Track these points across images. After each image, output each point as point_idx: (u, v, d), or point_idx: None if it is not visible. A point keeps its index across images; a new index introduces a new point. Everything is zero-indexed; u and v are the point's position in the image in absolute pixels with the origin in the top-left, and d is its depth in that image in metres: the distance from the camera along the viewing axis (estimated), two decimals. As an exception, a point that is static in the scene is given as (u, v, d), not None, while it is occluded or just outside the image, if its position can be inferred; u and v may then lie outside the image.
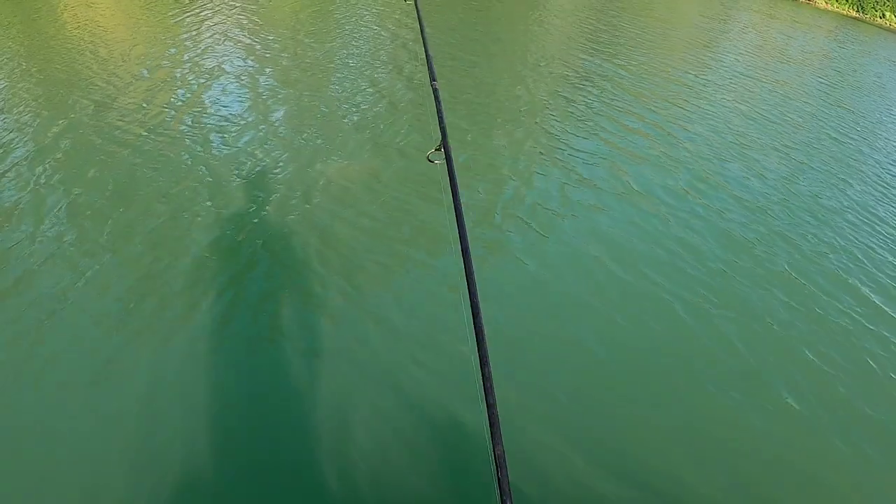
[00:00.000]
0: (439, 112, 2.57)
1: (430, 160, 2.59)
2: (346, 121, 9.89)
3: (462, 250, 2.15)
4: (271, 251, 6.65)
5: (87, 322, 5.56)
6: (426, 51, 2.73)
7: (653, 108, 11.47)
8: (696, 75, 13.95)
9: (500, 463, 1.38)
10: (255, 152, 8.50)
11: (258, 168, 8.15)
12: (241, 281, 6.22)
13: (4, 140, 8.65)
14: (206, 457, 4.47)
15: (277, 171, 8.18)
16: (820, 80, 16.10)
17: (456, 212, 2.34)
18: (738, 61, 16.03)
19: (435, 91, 2.64)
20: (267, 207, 7.34)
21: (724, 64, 15.53)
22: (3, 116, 9.45)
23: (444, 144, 2.53)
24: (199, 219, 7.00)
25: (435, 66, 2.65)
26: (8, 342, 5.28)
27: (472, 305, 1.85)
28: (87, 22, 15.80)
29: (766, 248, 7.61)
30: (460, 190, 2.46)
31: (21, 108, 9.77)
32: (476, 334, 1.72)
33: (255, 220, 7.11)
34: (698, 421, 5.11)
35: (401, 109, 10.37)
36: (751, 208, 8.46)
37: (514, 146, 9.38)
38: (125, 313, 5.71)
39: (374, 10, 16.97)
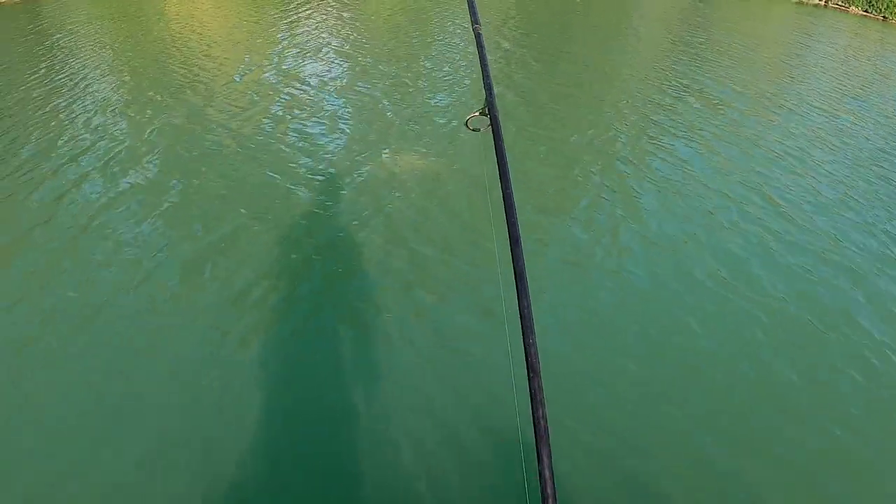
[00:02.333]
0: (483, 63, 2.10)
1: (469, 127, 2.06)
2: (433, 122, 9.94)
3: (510, 239, 1.67)
4: (337, 253, 6.58)
5: (146, 318, 5.54)
6: (468, -7, 2.28)
7: (735, 121, 10.72)
8: (782, 92, 13.03)
9: (545, 475, 1.26)
10: (335, 154, 8.63)
11: (333, 169, 8.19)
12: (298, 282, 6.12)
13: (107, 132, 9.14)
14: (250, 463, 4.31)
15: (352, 171, 8.18)
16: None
17: (504, 193, 1.80)
18: (825, 80, 14.92)
19: (478, 37, 2.18)
20: (338, 206, 7.35)
21: (811, 83, 14.47)
22: (109, 112, 10.02)
23: (490, 104, 2.02)
24: (271, 219, 7.03)
25: (480, 13, 2.20)
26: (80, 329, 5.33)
27: (519, 302, 1.51)
28: (188, 19, 16.82)
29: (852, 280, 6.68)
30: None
31: (123, 103, 10.41)
32: (525, 344, 1.43)
33: (326, 219, 7.11)
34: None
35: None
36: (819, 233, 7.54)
37: (588, 150, 9.03)
38: (188, 300, 5.74)
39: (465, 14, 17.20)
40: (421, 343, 5.41)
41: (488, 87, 2.07)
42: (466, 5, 2.28)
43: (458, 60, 13.04)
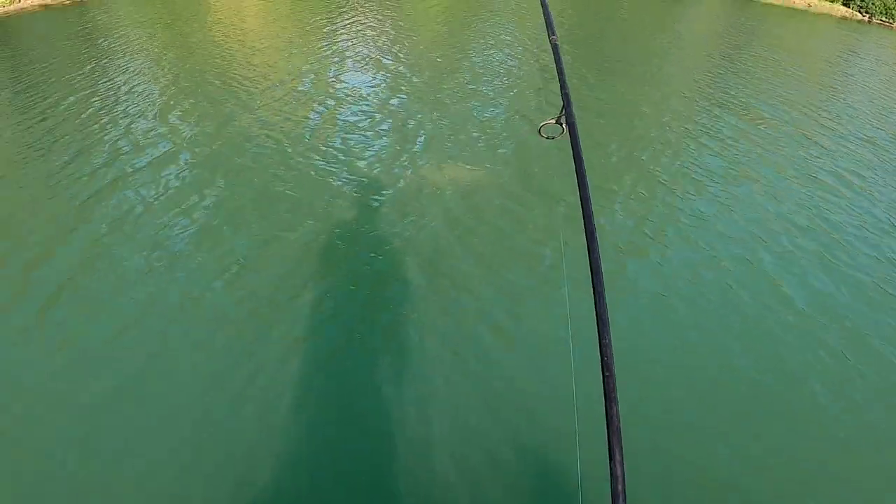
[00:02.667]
0: (560, 72, 2.12)
1: (543, 135, 2.06)
2: (473, 127, 10.00)
3: (587, 234, 1.70)
4: (384, 262, 6.57)
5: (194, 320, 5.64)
6: (543, 2, 2.31)
7: (781, 139, 10.52)
8: (827, 109, 12.79)
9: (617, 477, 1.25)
10: (379, 163, 8.66)
11: (378, 179, 8.23)
12: (345, 285, 6.17)
13: (149, 138, 9.33)
14: (289, 476, 4.31)
15: (397, 180, 8.23)
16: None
17: (582, 199, 1.81)
18: (870, 98, 14.60)
19: (554, 47, 2.20)
20: (384, 216, 7.38)
21: (856, 100, 14.16)
22: (152, 117, 10.24)
23: (567, 113, 2.03)
24: (317, 220, 7.13)
25: (557, 27, 2.22)
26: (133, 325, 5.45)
27: (595, 300, 1.53)
28: (231, 27, 17.12)
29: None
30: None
31: (166, 109, 10.58)
32: (601, 343, 1.43)
33: (372, 228, 7.13)
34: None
35: (530, 118, 10.32)
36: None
37: (640, 165, 8.96)
38: (231, 308, 5.80)
39: (511, 24, 17.21)
40: (481, 342, 5.44)
41: (565, 97, 2.08)
42: (543, 16, 2.30)
43: (501, 71, 13.09)
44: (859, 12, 26.81)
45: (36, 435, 4.50)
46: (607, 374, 1.38)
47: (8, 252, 6.51)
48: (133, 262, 6.40)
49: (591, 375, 1.69)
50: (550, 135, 2.05)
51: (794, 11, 25.72)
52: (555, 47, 2.18)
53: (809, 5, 27.05)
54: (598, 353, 1.43)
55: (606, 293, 1.54)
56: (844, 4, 27.22)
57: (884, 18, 26.06)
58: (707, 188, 8.35)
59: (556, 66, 2.13)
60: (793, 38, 20.51)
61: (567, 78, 2.13)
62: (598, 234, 1.71)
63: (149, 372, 5.05)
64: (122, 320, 5.53)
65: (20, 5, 23.63)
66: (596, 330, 1.47)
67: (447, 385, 5.06)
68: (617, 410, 1.35)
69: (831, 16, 26.40)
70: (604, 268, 1.57)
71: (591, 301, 1.52)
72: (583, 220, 1.74)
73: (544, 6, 2.32)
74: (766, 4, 26.37)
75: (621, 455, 1.29)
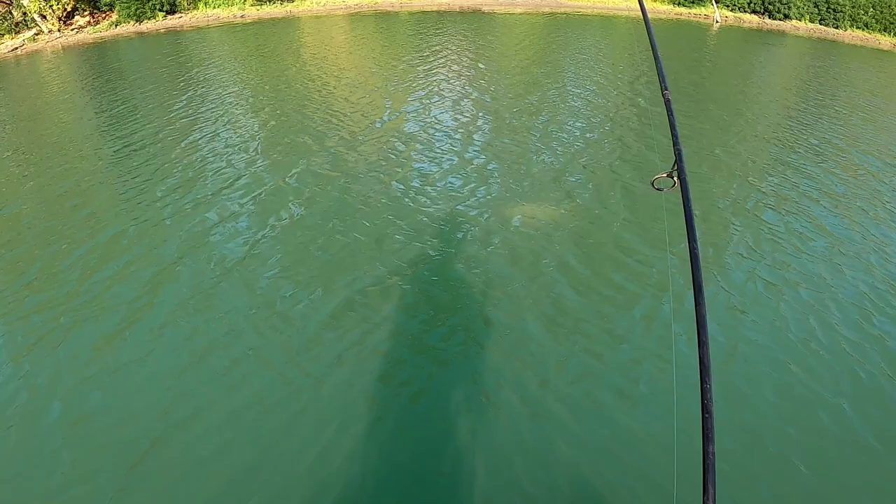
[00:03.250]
0: (672, 127, 2.04)
1: (655, 187, 2.16)
2: (557, 167, 9.95)
3: (694, 287, 1.83)
4: (479, 301, 6.52)
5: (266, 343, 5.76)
6: (656, 57, 2.23)
7: (869, 184, 10.03)
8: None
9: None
10: (477, 205, 8.60)
11: (475, 220, 8.19)
12: (421, 324, 6.13)
13: (248, 172, 9.60)
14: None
15: (476, 214, 8.23)
16: None
17: (691, 253, 1.90)
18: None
19: (667, 102, 2.12)
20: (479, 257, 7.33)
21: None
22: (251, 151, 10.59)
23: (679, 168, 2.00)
24: (407, 272, 7.06)
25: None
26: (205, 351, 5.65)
27: (699, 348, 1.70)
28: (324, 61, 17.69)
29: None
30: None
31: (265, 144, 10.93)
32: (702, 388, 1.61)
33: (480, 267, 7.10)
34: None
35: (617, 156, 10.26)
36: None
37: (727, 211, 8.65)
38: (307, 332, 5.92)
39: (602, 64, 17.23)
40: (587, 381, 5.32)
41: (678, 152, 2.04)
42: (656, 70, 2.22)
43: (592, 115, 12.91)
44: (947, 52, 25.61)
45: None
46: (707, 415, 1.54)
47: (111, 280, 6.82)
48: (225, 297, 6.53)
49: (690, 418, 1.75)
50: (661, 187, 2.16)
51: (880, 53, 24.76)
52: (667, 102, 2.10)
53: (895, 45, 26.03)
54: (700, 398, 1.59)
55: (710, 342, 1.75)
56: (931, 44, 26.08)
57: (974, 59, 24.83)
58: (815, 244, 7.95)
59: (669, 122, 2.04)
60: (884, 81, 19.68)
61: (679, 132, 2.06)
62: (704, 287, 1.82)
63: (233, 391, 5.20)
64: (226, 361, 5.62)
65: (116, 31, 25.16)
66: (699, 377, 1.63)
67: (538, 425, 4.94)
68: (713, 449, 1.50)
69: (915, 55, 25.31)
70: (709, 318, 1.74)
71: (696, 348, 1.68)
72: (691, 272, 1.85)
73: (657, 59, 2.24)
74: (851, 46, 25.51)
75: (714, 491, 1.45)
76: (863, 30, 27.11)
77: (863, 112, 14.71)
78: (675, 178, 2.08)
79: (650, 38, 2.28)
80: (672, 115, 2.10)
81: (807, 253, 7.69)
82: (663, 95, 2.14)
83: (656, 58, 2.23)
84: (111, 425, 4.88)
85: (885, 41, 26.32)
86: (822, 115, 14.06)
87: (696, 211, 7.76)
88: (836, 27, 27.26)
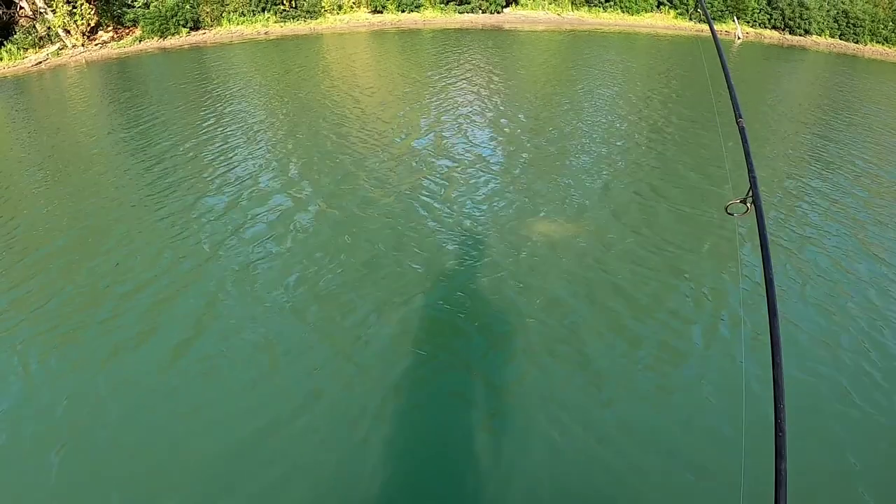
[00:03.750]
0: (747, 154, 2.11)
1: (728, 212, 2.27)
2: (565, 186, 9.92)
3: (769, 310, 1.89)
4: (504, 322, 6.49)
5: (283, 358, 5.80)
6: (729, 83, 2.30)
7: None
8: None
9: None
10: (495, 224, 8.58)
11: (494, 239, 8.15)
12: (444, 343, 6.12)
13: (266, 190, 9.72)
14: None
15: (510, 241, 8.14)
16: None
17: (766, 278, 2.00)
18: None
19: (742, 130, 2.20)
20: (485, 268, 7.34)
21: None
22: (270, 169, 10.69)
23: (755, 193, 2.08)
24: (416, 277, 7.18)
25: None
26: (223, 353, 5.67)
27: (773, 368, 1.80)
28: (346, 79, 17.88)
29: None
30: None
31: (285, 161, 11.07)
32: (776, 408, 1.72)
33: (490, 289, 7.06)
34: None
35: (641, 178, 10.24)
36: None
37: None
38: (322, 342, 6.02)
39: (624, 86, 17.25)
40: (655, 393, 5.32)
41: (752, 179, 2.11)
42: (730, 99, 2.29)
43: (601, 132, 12.94)
44: (970, 67, 25.41)
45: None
46: (780, 433, 1.62)
47: (126, 297, 6.94)
48: (233, 314, 6.60)
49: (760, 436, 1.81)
50: (733, 212, 2.26)
51: (900, 66, 24.65)
52: (742, 130, 2.17)
53: (916, 59, 25.88)
54: (773, 417, 1.66)
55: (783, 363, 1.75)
56: (954, 59, 25.89)
57: None
58: (860, 266, 7.90)
59: (744, 149, 2.11)
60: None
61: (753, 159, 2.12)
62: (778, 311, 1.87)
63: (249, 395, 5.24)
64: (239, 379, 5.71)
65: (140, 46, 25.69)
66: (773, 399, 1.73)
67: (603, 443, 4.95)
68: (785, 466, 1.57)
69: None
70: (782, 339, 1.79)
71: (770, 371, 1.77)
72: (766, 296, 1.93)
73: (730, 86, 2.31)
74: (871, 60, 25.40)
75: None
76: (882, 44, 26.98)
77: (879, 125, 14.65)
78: (749, 205, 2.15)
79: (722, 64, 2.34)
80: (746, 142, 2.17)
81: (854, 274, 7.65)
82: (738, 123, 2.21)
83: (729, 85, 2.30)
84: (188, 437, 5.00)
85: (906, 55, 26.20)
86: (853, 132, 14.00)
87: (770, 236, 7.75)
88: (857, 42, 27.18)
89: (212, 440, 4.94)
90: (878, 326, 6.61)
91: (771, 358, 1.78)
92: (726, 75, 2.29)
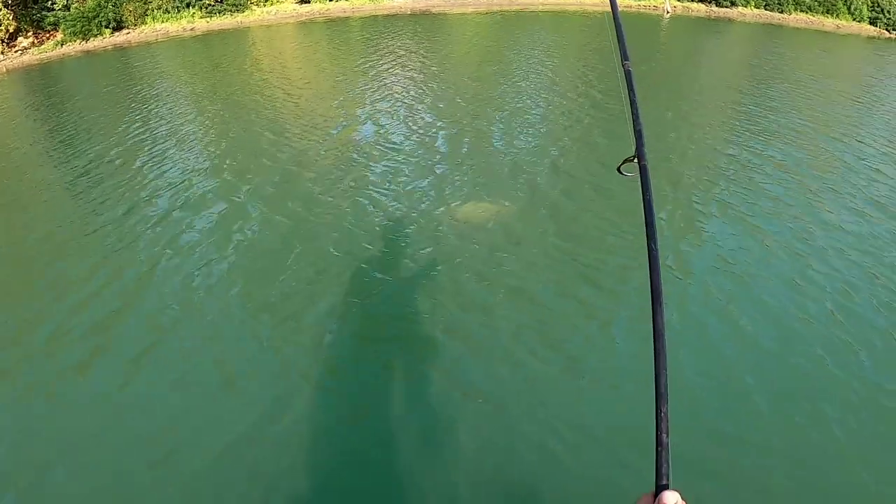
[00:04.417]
0: (633, 104, 1.84)
1: (621, 172, 1.87)
2: (509, 166, 9.72)
3: (652, 297, 1.53)
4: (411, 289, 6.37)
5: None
6: (617, 22, 2.03)
7: (811, 161, 10.11)
8: (853, 130, 12.32)
9: None
10: (422, 205, 8.43)
11: (418, 220, 7.99)
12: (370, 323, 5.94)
13: (202, 194, 9.17)
14: None
15: (436, 222, 7.97)
16: None
17: (650, 255, 1.62)
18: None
19: (627, 74, 1.92)
20: (422, 258, 7.13)
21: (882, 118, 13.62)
22: (207, 171, 10.10)
23: (639, 150, 1.78)
24: (351, 257, 7.00)
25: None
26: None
27: (656, 371, 1.42)
28: (275, 71, 17.17)
29: None
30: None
31: (218, 162, 10.47)
32: (657, 415, 1.36)
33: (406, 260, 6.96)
34: None
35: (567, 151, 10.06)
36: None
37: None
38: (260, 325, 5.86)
39: (551, 65, 17.08)
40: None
41: (638, 133, 1.81)
42: (616, 39, 2.02)
43: (536, 110, 12.87)
44: (887, 30, 26.37)
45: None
46: (660, 448, 1.34)
47: (44, 309, 6.44)
48: (167, 314, 6.31)
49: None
50: (628, 172, 1.84)
51: (822, 34, 25.35)
52: (628, 74, 1.89)
53: (838, 27, 26.67)
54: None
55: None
56: (871, 23, 26.80)
57: (913, 35, 25.60)
58: (770, 218, 7.95)
59: (629, 98, 1.84)
60: (830, 61, 20.10)
61: (640, 110, 1.84)
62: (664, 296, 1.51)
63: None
64: (168, 378, 5.43)
65: (62, 50, 24.27)
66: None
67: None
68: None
69: (859, 35, 25.99)
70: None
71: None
72: (649, 278, 1.58)
73: (618, 27, 2.04)
74: (796, 29, 26.05)
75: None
76: (806, 13, 27.71)
77: (809, 91, 14.96)
78: (637, 163, 1.80)
79: (613, 7, 2.08)
80: (633, 90, 1.89)
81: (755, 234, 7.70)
82: (623, 66, 1.93)
83: (617, 25, 2.02)
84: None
85: (828, 23, 26.96)
86: (773, 97, 14.25)
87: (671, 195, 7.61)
88: (781, 11, 27.82)
89: (182, 456, 4.61)
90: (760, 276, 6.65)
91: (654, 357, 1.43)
92: (615, 14, 2.03)
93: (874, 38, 25.88)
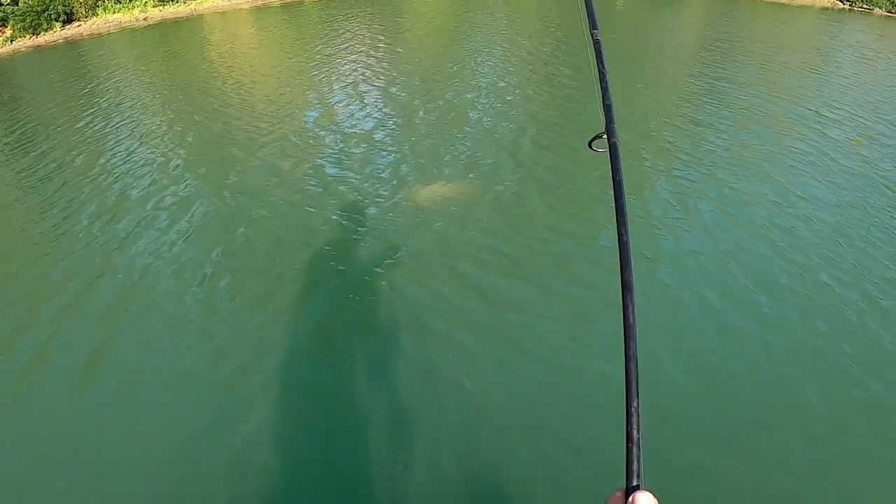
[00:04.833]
0: (602, 76, 1.76)
1: (592, 148, 1.78)
2: (470, 146, 9.67)
3: (623, 286, 1.43)
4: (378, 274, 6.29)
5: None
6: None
7: (763, 127, 10.25)
8: (806, 97, 12.51)
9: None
10: (381, 187, 8.40)
11: (379, 202, 7.98)
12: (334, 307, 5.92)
13: (154, 191, 8.94)
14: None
15: (398, 198, 7.98)
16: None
17: (619, 240, 1.53)
18: (847, 82, 14.28)
19: (596, 44, 1.84)
20: (387, 238, 7.16)
21: (833, 86, 13.83)
22: (160, 167, 9.81)
23: (609, 129, 1.69)
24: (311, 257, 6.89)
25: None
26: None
27: (626, 361, 1.34)
28: (229, 57, 16.90)
29: None
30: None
31: (169, 156, 10.22)
32: (627, 412, 1.28)
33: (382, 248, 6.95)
34: None
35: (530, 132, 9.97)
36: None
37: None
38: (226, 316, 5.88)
39: (511, 41, 16.92)
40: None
41: (607, 108, 1.73)
42: (583, 7, 1.94)
43: (497, 88, 12.79)
44: (840, 1, 26.77)
45: None
46: (630, 444, 1.26)
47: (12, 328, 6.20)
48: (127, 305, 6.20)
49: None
50: (600, 148, 1.74)
51: (778, 6, 25.63)
52: (596, 43, 1.82)
53: (792, -2, 27.00)
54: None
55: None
56: (825, -6, 27.20)
57: (864, 5, 25.99)
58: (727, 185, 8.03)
59: (598, 70, 1.76)
60: (785, 32, 20.36)
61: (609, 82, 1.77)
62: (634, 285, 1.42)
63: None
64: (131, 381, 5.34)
65: (12, 47, 23.28)
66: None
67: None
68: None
69: (814, 7, 26.34)
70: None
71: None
72: (619, 265, 1.47)
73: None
74: (751, 1, 26.30)
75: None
76: (762, -15, 27.96)
77: (765, 62, 15.14)
78: (607, 138, 1.70)
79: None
80: (602, 61, 1.81)
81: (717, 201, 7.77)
82: (591, 35, 1.86)
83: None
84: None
85: (783, -6, 27.28)
86: (725, 67, 14.41)
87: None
88: (738, -16, 28.03)
89: (137, 460, 4.53)
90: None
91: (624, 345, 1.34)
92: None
93: (828, 8, 26.25)
